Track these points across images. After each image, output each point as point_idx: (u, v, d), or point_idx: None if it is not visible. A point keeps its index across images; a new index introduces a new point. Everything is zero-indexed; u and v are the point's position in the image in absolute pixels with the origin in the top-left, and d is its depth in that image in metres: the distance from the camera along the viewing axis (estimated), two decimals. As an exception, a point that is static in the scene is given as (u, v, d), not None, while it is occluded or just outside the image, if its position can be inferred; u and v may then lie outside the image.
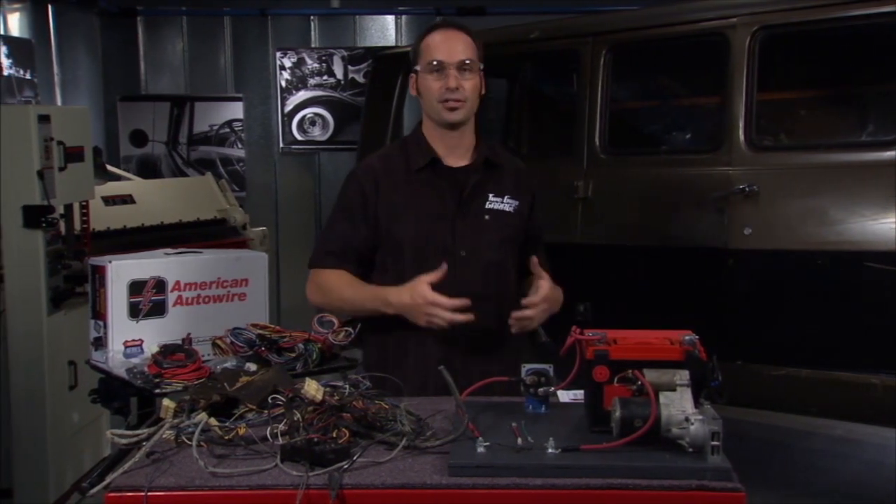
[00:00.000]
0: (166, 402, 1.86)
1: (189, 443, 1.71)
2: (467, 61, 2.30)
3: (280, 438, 1.70)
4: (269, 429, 1.74)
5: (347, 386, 1.87)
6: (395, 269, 2.39)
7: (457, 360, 2.25)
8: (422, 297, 2.19)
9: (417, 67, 2.37)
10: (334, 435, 1.70)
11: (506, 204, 2.39)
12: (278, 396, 1.85)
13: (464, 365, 2.25)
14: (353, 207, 2.42)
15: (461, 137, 2.37)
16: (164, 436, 1.74)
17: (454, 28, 2.36)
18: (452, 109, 2.30)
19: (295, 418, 1.73)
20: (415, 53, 2.38)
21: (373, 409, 1.82)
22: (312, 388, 1.77)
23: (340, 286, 2.42)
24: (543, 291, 2.26)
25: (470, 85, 2.31)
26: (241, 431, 1.76)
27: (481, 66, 2.35)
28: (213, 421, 1.78)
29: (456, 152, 2.38)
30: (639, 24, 4.02)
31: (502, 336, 2.36)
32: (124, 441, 1.76)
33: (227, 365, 2.28)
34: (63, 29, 7.14)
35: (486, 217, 2.36)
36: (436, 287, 2.24)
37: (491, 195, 2.37)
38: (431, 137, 2.40)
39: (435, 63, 2.30)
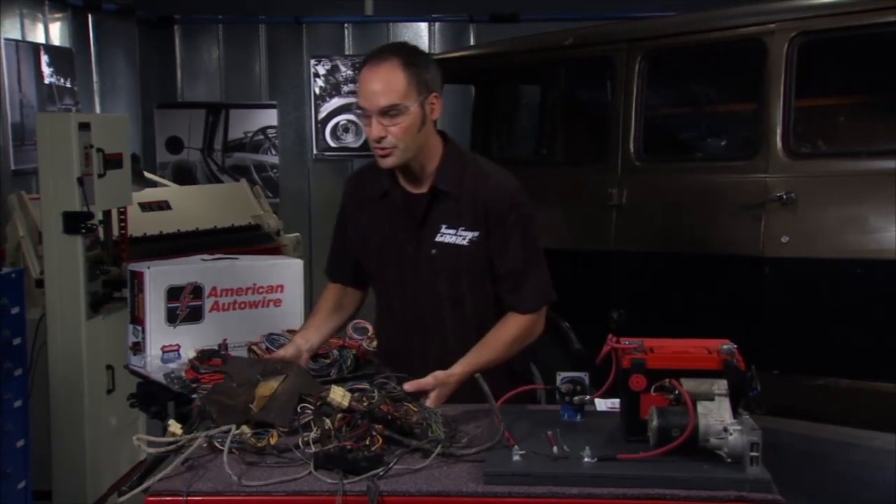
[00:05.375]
0: (172, 424, 1.84)
1: (222, 448, 1.72)
2: (390, 107, 2.09)
3: (312, 446, 1.70)
4: (300, 437, 1.74)
5: (375, 391, 1.87)
6: (372, 283, 2.41)
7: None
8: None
9: None
10: (367, 442, 1.70)
11: (460, 236, 2.21)
12: (306, 405, 1.84)
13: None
14: (343, 216, 2.43)
15: (414, 168, 2.22)
16: (199, 443, 1.75)
17: (383, 64, 2.12)
18: (384, 157, 2.16)
19: (326, 427, 1.73)
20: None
21: (401, 411, 1.81)
22: (339, 395, 1.77)
23: (315, 307, 2.45)
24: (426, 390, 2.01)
25: (398, 130, 2.11)
26: (274, 441, 1.76)
27: (422, 98, 2.12)
28: (245, 429, 1.79)
29: (414, 181, 2.25)
30: (674, 31, 3.98)
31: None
32: (152, 449, 1.76)
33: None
34: (102, 38, 7.25)
35: (433, 251, 2.23)
36: (392, 314, 2.31)
37: (444, 227, 2.23)
38: None
39: (361, 109, 2.14)
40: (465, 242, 2.21)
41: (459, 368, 2.07)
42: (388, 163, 2.16)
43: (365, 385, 1.92)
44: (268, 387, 1.91)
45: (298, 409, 1.84)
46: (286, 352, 2.21)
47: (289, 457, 1.72)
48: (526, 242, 2.24)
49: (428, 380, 2.00)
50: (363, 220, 2.34)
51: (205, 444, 1.75)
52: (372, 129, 2.12)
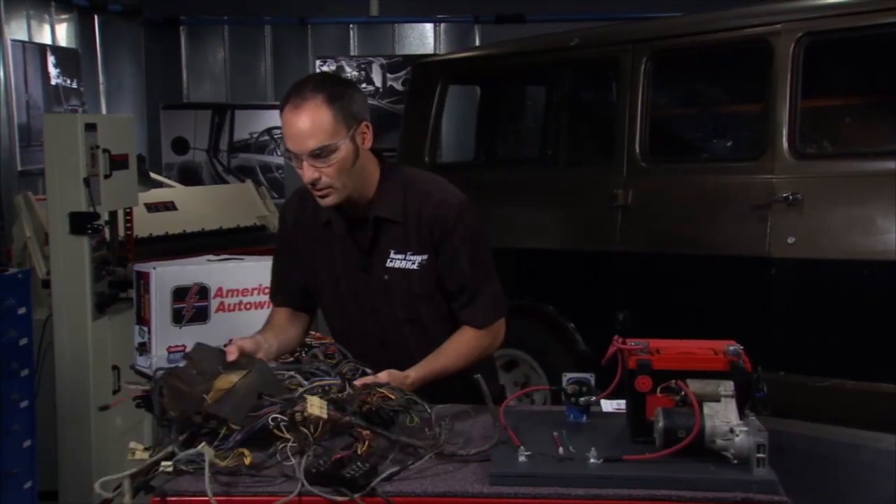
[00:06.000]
0: (134, 446, 1.72)
1: (188, 471, 1.62)
2: (319, 149, 2.01)
3: (292, 458, 1.60)
4: (276, 450, 1.65)
5: (344, 382, 1.79)
6: (322, 309, 2.33)
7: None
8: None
9: None
10: (356, 451, 1.62)
11: (409, 261, 2.16)
12: (275, 413, 1.69)
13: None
14: (285, 244, 2.34)
15: (355, 198, 2.14)
16: (163, 468, 1.64)
17: (305, 103, 2.01)
18: (322, 198, 2.09)
19: (307, 441, 1.64)
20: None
21: (374, 397, 1.75)
22: (316, 407, 1.66)
23: (267, 323, 2.33)
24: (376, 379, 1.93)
25: (331, 170, 2.03)
26: (248, 461, 1.63)
27: (352, 132, 2.05)
28: (211, 453, 1.62)
29: (356, 210, 2.18)
30: (680, 32, 3.98)
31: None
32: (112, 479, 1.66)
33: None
34: (108, 38, 7.27)
35: (386, 277, 2.18)
36: (353, 339, 2.21)
37: (392, 252, 2.17)
38: None
39: (290, 152, 2.06)
40: (415, 266, 2.16)
41: (414, 373, 2.03)
42: (328, 202, 2.09)
43: (329, 377, 1.85)
44: (227, 380, 1.79)
45: (270, 423, 1.67)
46: (245, 343, 2.05)
47: (269, 475, 1.63)
48: (475, 257, 2.17)
49: (382, 375, 1.94)
50: (309, 248, 2.26)
51: (170, 470, 1.64)
52: (304, 173, 2.04)
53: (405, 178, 2.21)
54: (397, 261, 2.17)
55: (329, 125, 2.01)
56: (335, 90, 2.05)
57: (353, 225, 2.19)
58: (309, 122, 2.00)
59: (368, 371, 1.97)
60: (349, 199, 2.13)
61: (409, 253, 2.16)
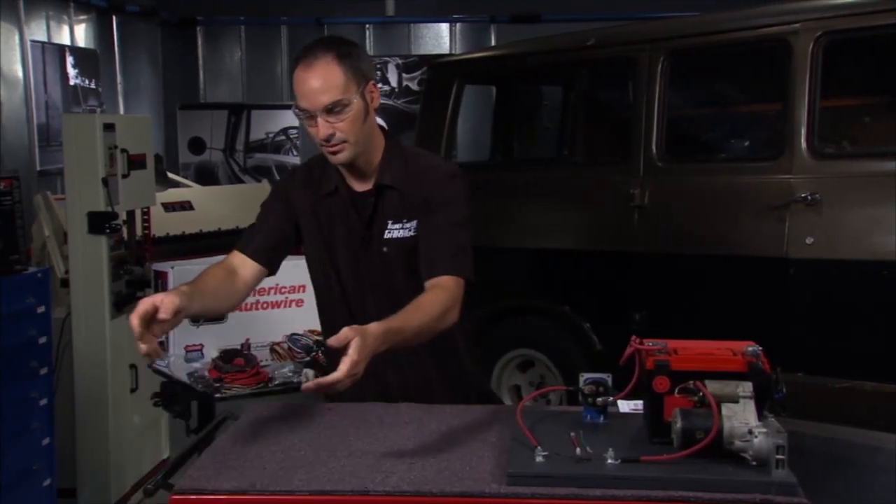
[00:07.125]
0: None
1: None
2: (334, 104, 2.05)
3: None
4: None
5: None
6: (315, 285, 2.30)
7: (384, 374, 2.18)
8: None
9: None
10: None
11: (405, 228, 2.18)
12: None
13: (384, 377, 2.17)
14: (281, 199, 2.30)
15: (360, 164, 2.18)
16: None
17: (317, 61, 2.06)
18: (335, 153, 2.12)
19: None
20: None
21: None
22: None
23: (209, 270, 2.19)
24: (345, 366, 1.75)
25: (345, 125, 2.07)
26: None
27: (361, 89, 2.08)
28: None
29: (359, 178, 2.21)
30: (697, 31, 3.97)
31: (423, 356, 2.21)
32: None
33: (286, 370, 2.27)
34: (126, 39, 7.33)
35: (385, 249, 2.18)
36: (352, 318, 2.14)
37: (390, 222, 2.19)
38: None
39: (303, 111, 2.09)
40: (412, 233, 2.18)
41: (374, 325, 1.89)
42: (340, 158, 2.12)
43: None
44: None
45: None
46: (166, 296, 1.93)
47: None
48: (453, 220, 2.15)
49: (345, 331, 1.79)
50: (312, 221, 2.25)
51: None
52: (319, 129, 2.07)
53: (406, 151, 2.25)
54: (395, 230, 2.18)
55: (341, 81, 2.06)
56: (344, 49, 2.10)
57: (356, 197, 2.20)
58: (321, 78, 2.05)
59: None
60: (356, 164, 2.16)
61: (405, 221, 2.18)
